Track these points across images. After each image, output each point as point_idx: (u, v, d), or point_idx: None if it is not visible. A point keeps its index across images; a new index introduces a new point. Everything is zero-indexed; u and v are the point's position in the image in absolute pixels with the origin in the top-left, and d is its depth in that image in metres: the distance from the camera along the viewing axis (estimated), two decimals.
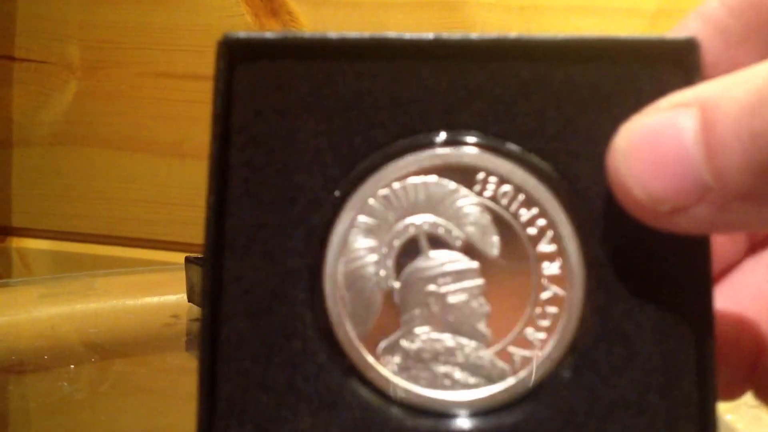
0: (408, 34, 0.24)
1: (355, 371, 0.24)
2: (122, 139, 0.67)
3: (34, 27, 0.67)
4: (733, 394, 0.28)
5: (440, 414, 0.24)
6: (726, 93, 0.20)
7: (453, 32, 0.24)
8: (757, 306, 0.28)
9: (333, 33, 0.25)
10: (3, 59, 0.68)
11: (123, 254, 0.67)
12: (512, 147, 0.25)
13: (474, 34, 0.24)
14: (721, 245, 0.23)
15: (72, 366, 0.52)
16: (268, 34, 0.25)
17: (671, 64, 0.24)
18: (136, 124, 0.66)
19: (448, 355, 0.24)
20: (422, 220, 0.25)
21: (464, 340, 0.24)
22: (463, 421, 0.24)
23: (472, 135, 0.25)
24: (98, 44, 0.66)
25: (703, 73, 0.23)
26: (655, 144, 0.21)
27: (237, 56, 0.24)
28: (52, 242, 0.68)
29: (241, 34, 0.24)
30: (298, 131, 0.25)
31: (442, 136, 0.25)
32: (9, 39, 0.68)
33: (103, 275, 0.59)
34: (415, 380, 0.24)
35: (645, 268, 0.24)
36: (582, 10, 0.57)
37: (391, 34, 0.24)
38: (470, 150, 0.25)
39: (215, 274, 0.24)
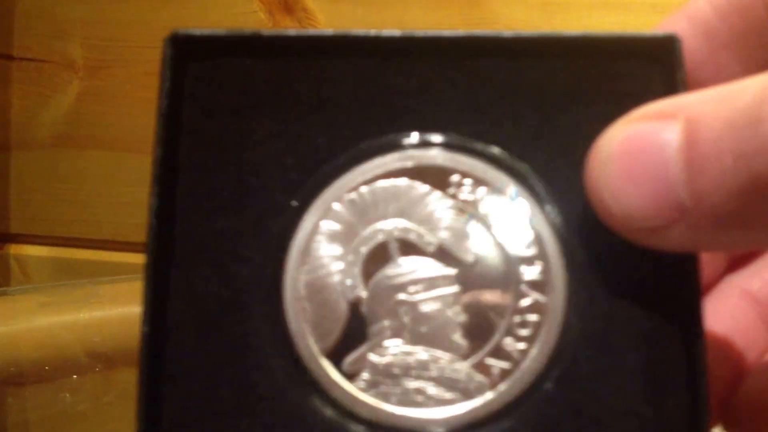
0: (374, 31, 0.23)
1: (317, 389, 0.23)
2: (127, 140, 0.65)
3: (34, 24, 0.65)
4: None
5: None
6: (712, 108, 0.19)
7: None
8: (731, 331, 0.27)
9: (292, 30, 0.24)
10: (1, 58, 0.66)
11: (129, 260, 0.65)
12: (487, 147, 0.23)
13: (445, 32, 0.23)
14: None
15: (75, 376, 0.50)
16: (221, 31, 0.23)
17: (652, 61, 0.23)
18: (142, 126, 0.64)
19: (420, 369, 0.23)
20: (392, 225, 0.23)
21: (438, 353, 0.23)
22: None
23: (445, 135, 0.24)
24: (102, 42, 0.64)
25: (685, 71, 0.22)
26: (635, 158, 0.20)
27: (187, 53, 0.23)
28: (52, 248, 0.66)
29: (193, 30, 0.23)
30: (254, 132, 0.23)
31: (413, 136, 0.24)
32: (7, 37, 0.66)
33: (107, 282, 0.58)
34: (384, 397, 0.23)
35: (629, 270, 0.23)
36: (605, 5, 0.56)
37: (357, 30, 0.23)
38: (443, 151, 0.23)
39: (159, 285, 0.23)
